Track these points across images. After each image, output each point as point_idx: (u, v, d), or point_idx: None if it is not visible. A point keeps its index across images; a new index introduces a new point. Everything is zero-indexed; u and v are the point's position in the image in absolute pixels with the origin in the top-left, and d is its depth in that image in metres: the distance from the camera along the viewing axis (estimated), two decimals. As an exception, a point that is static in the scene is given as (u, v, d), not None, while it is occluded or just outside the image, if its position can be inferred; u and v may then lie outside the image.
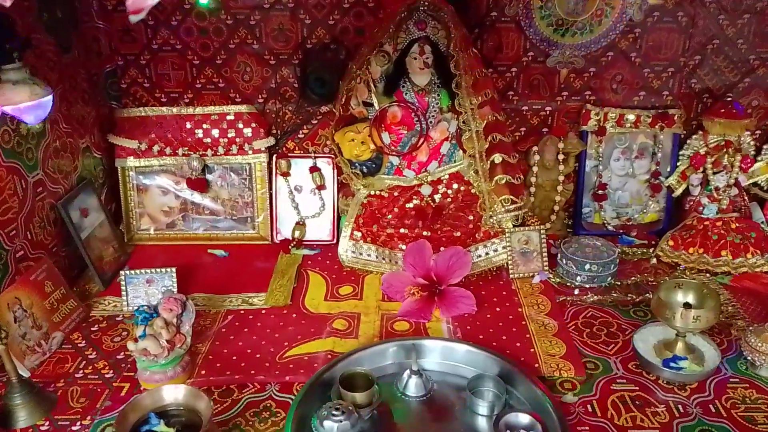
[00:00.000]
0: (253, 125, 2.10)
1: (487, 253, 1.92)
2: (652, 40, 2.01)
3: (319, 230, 2.12)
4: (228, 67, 2.06)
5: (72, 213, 1.82)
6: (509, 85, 2.08)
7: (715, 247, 1.91)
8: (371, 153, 2.00)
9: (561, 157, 2.06)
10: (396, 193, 2.01)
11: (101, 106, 2.08)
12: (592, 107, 2.07)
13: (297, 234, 2.11)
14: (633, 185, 2.15)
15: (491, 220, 1.92)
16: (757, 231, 1.94)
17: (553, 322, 1.67)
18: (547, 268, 1.90)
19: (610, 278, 1.85)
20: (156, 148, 2.08)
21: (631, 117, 2.06)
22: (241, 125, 2.10)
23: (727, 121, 1.95)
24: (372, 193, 2.00)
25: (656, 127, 2.06)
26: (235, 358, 1.55)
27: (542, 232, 1.92)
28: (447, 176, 2.01)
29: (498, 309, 1.75)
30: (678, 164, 2.09)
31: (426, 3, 1.84)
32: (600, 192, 2.12)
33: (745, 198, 2.00)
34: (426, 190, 1.99)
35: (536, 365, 1.50)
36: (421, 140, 1.97)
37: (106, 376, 1.50)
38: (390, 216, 1.97)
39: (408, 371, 1.43)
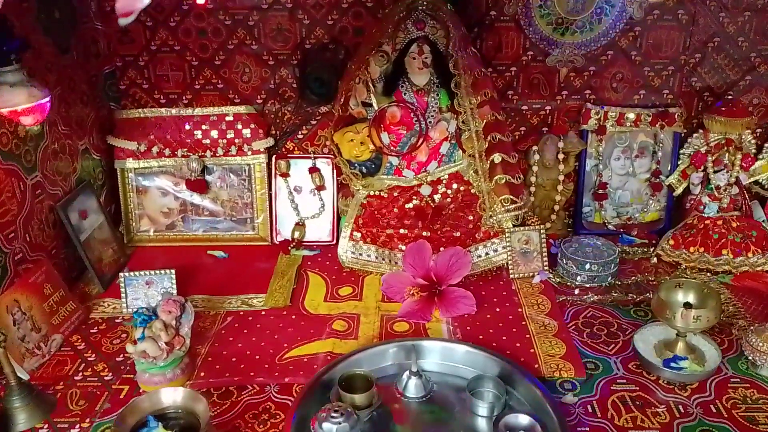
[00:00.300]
0: (252, 126, 2.10)
1: (487, 253, 1.91)
2: (653, 39, 2.00)
3: (318, 231, 2.12)
4: (227, 68, 2.06)
5: (71, 215, 1.82)
6: (509, 85, 2.08)
7: (716, 246, 1.90)
8: (370, 153, 2.00)
9: (561, 156, 2.06)
10: (395, 194, 2.00)
11: (100, 108, 2.08)
12: (592, 106, 2.07)
13: (297, 235, 2.10)
14: (633, 184, 2.15)
15: (491, 220, 1.91)
16: (758, 230, 1.93)
17: (553, 322, 1.67)
18: (547, 267, 1.89)
19: (610, 278, 1.85)
20: (155, 149, 2.08)
21: (632, 116, 2.06)
22: (240, 126, 2.10)
23: (728, 120, 1.94)
24: (371, 193, 2.00)
25: (657, 125, 2.06)
26: (234, 359, 1.54)
27: (542, 231, 1.91)
28: (446, 176, 2.00)
29: (498, 309, 1.75)
30: (678, 163, 2.08)
31: (425, 2, 1.83)
32: (600, 191, 2.12)
33: (746, 196, 1.99)
34: (425, 190, 1.99)
35: (536, 366, 1.50)
36: (421, 140, 1.97)
37: (106, 378, 1.50)
38: (390, 216, 1.97)
39: (408, 372, 1.43)
